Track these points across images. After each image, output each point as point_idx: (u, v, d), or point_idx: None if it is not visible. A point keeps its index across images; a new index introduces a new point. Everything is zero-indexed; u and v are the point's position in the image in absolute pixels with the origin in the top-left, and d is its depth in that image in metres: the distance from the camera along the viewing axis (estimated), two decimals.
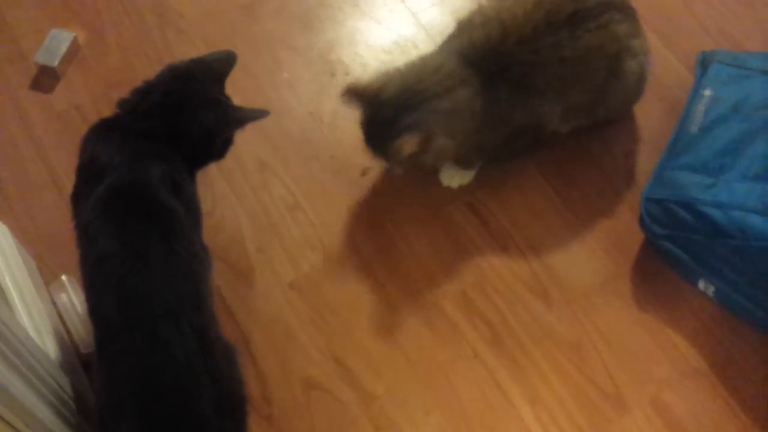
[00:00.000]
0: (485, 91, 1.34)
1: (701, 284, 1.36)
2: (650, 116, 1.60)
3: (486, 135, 1.39)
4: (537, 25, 1.33)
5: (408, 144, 1.29)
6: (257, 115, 1.24)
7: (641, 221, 1.39)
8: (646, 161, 1.53)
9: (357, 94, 1.35)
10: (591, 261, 1.43)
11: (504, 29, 1.34)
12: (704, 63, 1.55)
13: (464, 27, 1.42)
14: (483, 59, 1.34)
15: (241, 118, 1.23)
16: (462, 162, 1.49)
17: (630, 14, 1.42)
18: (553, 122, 1.43)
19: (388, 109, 1.32)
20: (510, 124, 1.39)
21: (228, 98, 1.25)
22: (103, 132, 1.16)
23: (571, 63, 1.35)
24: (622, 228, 1.46)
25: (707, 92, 1.46)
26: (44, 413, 0.99)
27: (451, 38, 1.43)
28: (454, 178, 1.50)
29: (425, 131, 1.30)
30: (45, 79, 1.62)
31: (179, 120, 1.16)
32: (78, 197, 1.12)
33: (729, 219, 1.27)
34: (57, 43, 1.62)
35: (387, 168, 1.50)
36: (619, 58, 1.39)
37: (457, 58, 1.35)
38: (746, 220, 1.26)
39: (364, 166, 1.53)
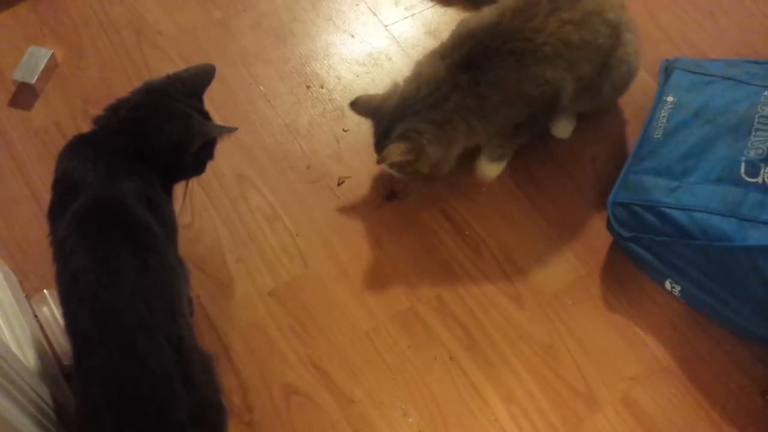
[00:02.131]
0: (483, 77, 1.36)
1: (668, 284, 1.40)
2: (616, 123, 1.65)
3: (501, 117, 1.42)
4: None
5: (394, 152, 1.36)
6: (223, 130, 1.24)
7: (608, 224, 1.43)
8: (612, 166, 1.57)
9: (363, 104, 1.45)
10: (561, 263, 1.47)
11: (500, 12, 1.38)
12: (667, 70, 1.60)
13: (457, 29, 1.45)
14: (480, 44, 1.37)
15: (205, 131, 1.22)
16: (494, 156, 1.54)
17: None
18: (567, 90, 1.43)
19: (386, 119, 1.40)
20: (524, 97, 1.40)
21: (203, 112, 1.26)
22: (76, 149, 1.17)
23: (572, 26, 1.37)
24: (591, 231, 1.50)
25: (670, 98, 1.51)
26: (25, 425, 1.01)
27: (445, 42, 1.46)
28: (494, 170, 1.56)
29: (415, 141, 1.36)
30: (23, 96, 1.64)
31: (145, 134, 1.17)
32: (53, 213, 1.14)
33: (692, 221, 1.32)
34: (35, 60, 1.64)
35: (393, 174, 1.52)
36: (619, 27, 1.43)
37: (447, 61, 1.38)
38: (709, 221, 1.30)
39: (339, 176, 1.56)
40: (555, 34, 1.36)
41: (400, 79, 1.44)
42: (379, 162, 1.40)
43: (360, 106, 1.46)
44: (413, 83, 1.40)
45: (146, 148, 1.17)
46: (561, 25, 1.37)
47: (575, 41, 1.38)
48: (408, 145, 1.36)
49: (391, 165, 1.42)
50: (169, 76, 1.24)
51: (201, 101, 1.27)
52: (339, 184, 1.55)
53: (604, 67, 1.46)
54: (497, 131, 1.46)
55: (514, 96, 1.40)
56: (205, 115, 1.26)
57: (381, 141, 1.42)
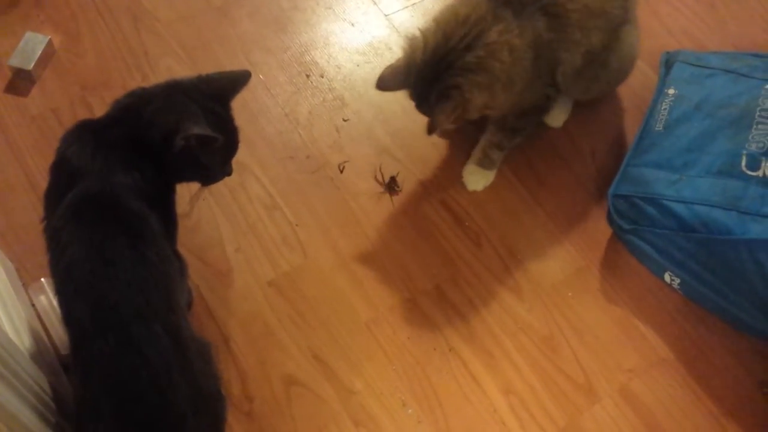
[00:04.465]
0: (524, 27, 1.29)
1: (667, 277, 1.40)
2: (616, 115, 1.65)
3: (529, 77, 1.34)
4: None
5: (441, 118, 1.29)
6: (211, 134, 1.14)
7: (608, 216, 1.44)
8: (612, 159, 1.57)
9: (390, 79, 1.33)
10: (561, 255, 1.47)
11: None
12: (668, 63, 1.60)
13: None
14: None
15: (186, 127, 1.12)
16: (485, 163, 1.50)
17: None
18: (573, 62, 1.36)
19: (420, 83, 1.30)
20: (545, 65, 1.34)
21: (221, 116, 1.20)
22: (78, 134, 1.16)
23: None
24: (591, 223, 1.50)
25: (671, 91, 1.51)
26: (25, 414, 1.00)
27: None
28: (479, 182, 1.53)
29: (457, 96, 1.28)
30: (20, 82, 1.62)
31: (139, 125, 1.14)
32: (49, 197, 1.13)
33: (693, 213, 1.32)
34: (32, 46, 1.63)
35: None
36: (629, 2, 1.40)
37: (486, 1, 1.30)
38: (710, 214, 1.30)
39: (339, 162, 1.55)
40: (581, 1, 1.32)
41: (420, 31, 1.32)
42: (429, 133, 1.32)
43: (386, 82, 1.34)
44: (440, 33, 1.29)
45: (141, 139, 1.14)
46: None
47: (597, 9, 1.34)
48: (451, 105, 1.28)
49: (441, 128, 1.34)
50: (199, 76, 1.21)
51: (224, 105, 1.21)
52: (341, 171, 1.54)
53: (612, 41, 1.41)
54: (514, 107, 1.40)
55: (541, 60, 1.33)
56: (221, 119, 1.20)
57: (422, 105, 1.33)
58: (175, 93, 1.18)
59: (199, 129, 1.13)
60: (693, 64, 1.55)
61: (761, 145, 1.34)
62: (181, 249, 1.25)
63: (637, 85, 1.65)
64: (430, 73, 1.28)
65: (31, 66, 1.60)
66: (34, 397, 1.06)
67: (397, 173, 1.54)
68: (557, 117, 1.60)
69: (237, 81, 1.23)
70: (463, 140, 1.59)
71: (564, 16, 1.31)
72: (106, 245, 1.04)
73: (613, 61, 1.45)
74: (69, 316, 1.05)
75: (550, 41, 1.32)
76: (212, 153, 1.20)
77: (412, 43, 1.32)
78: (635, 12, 1.48)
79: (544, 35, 1.31)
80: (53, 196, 1.12)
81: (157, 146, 1.14)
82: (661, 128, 1.45)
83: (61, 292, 1.07)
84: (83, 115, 1.55)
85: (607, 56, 1.43)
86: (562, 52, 1.36)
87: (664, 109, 1.48)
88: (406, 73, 1.31)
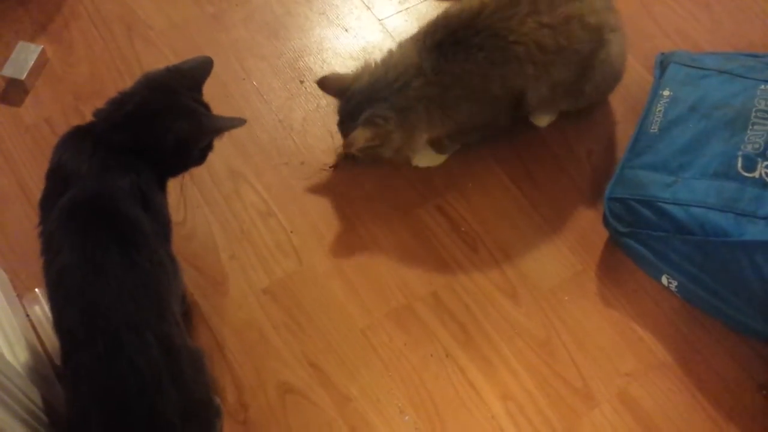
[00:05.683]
0: (447, 73, 1.37)
1: (664, 279, 1.39)
2: (611, 117, 1.64)
3: (463, 113, 1.42)
4: None
5: (360, 138, 1.36)
6: (234, 123, 1.24)
7: (605, 219, 1.43)
8: (608, 161, 1.56)
9: (332, 83, 1.43)
10: (557, 259, 1.46)
11: (481, 4, 1.37)
12: (663, 64, 1.59)
13: (438, 15, 1.44)
14: (452, 34, 1.37)
15: (217, 127, 1.22)
16: (437, 146, 1.53)
17: None
18: (535, 94, 1.43)
19: (354, 100, 1.39)
20: (487, 95, 1.41)
21: (205, 105, 1.25)
22: (73, 140, 1.16)
23: (551, 30, 1.36)
24: (587, 226, 1.50)
25: (666, 92, 1.50)
26: (14, 429, 1.00)
27: (423, 26, 1.45)
28: (423, 159, 1.55)
29: (381, 127, 1.36)
30: (13, 92, 1.62)
31: (152, 130, 1.16)
32: (44, 203, 1.13)
33: (689, 216, 1.31)
34: (25, 55, 1.63)
35: (352, 158, 1.51)
36: (601, 30, 1.42)
37: (419, 45, 1.39)
38: (706, 216, 1.29)
39: (332, 163, 1.56)
40: (529, 36, 1.36)
41: (374, 58, 1.43)
42: (345, 148, 1.40)
43: (328, 84, 1.45)
44: (383, 66, 1.40)
45: (149, 144, 1.16)
46: (538, 28, 1.36)
47: (550, 46, 1.37)
48: (373, 131, 1.36)
49: (353, 149, 1.41)
50: (168, 69, 1.23)
51: (199, 92, 1.26)
52: (334, 169, 1.55)
53: (585, 69, 1.45)
54: (458, 127, 1.46)
55: (478, 92, 1.40)
56: (207, 108, 1.25)
57: (345, 122, 1.42)
58: (170, 93, 1.19)
59: (227, 123, 1.23)
60: (688, 65, 1.54)
61: (757, 146, 1.34)
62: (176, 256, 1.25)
63: (632, 87, 1.65)
64: (366, 98, 1.38)
65: (24, 76, 1.60)
66: (24, 411, 1.05)
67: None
68: (542, 117, 1.60)
69: (205, 69, 1.27)
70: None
71: (507, 50, 1.36)
72: (97, 251, 1.04)
73: (596, 76, 1.47)
74: (59, 323, 1.05)
75: (499, 76, 1.39)
76: (210, 142, 1.26)
77: (365, 66, 1.42)
78: (618, 23, 1.47)
79: (477, 71, 1.37)
80: (49, 201, 1.12)
81: (168, 148, 1.16)
82: (656, 130, 1.44)
83: (52, 297, 1.06)
84: (77, 123, 1.55)
85: (582, 84, 1.47)
86: (526, 85, 1.41)
87: (659, 110, 1.47)
88: (346, 87, 1.41)
